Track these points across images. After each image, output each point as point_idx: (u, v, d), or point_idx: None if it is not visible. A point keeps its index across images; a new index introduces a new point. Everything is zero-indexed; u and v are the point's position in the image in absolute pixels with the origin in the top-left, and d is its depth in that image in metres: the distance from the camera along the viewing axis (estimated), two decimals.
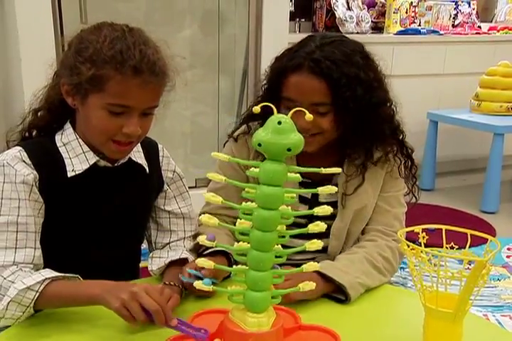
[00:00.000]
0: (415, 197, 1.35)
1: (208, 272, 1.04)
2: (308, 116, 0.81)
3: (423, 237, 0.93)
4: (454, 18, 4.35)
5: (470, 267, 0.86)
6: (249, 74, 3.07)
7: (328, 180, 1.26)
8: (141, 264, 1.30)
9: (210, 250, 1.13)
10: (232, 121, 1.46)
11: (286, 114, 0.80)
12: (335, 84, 1.17)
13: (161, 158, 1.24)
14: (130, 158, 1.17)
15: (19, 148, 1.09)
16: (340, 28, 3.83)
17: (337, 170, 0.83)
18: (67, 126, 1.13)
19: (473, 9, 4.49)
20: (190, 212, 1.27)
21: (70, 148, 1.12)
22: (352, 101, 1.18)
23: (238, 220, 0.86)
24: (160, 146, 1.25)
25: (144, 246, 1.30)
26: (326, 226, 0.84)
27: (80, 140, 1.12)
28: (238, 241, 0.87)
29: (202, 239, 0.88)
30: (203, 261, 0.88)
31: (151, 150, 1.23)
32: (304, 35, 1.28)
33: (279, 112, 0.81)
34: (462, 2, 4.40)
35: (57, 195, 1.10)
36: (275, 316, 0.89)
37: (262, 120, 0.80)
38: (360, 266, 1.18)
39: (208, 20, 3.09)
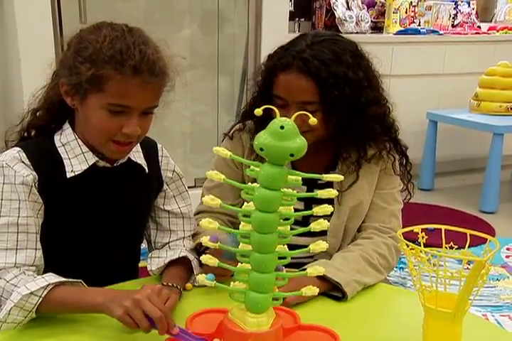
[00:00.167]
0: (410, 194, 1.36)
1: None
2: (312, 120, 0.80)
3: (422, 237, 0.93)
4: (453, 18, 4.36)
5: (469, 267, 0.86)
6: (249, 74, 3.06)
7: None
8: (141, 264, 1.30)
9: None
10: (232, 120, 1.46)
11: (279, 110, 0.80)
12: (323, 83, 1.18)
13: (160, 158, 1.24)
14: (129, 158, 1.17)
15: (18, 148, 1.09)
16: (339, 27, 3.83)
17: (338, 177, 0.83)
18: (66, 126, 1.13)
19: (473, 9, 4.49)
20: (190, 212, 1.27)
21: (69, 148, 1.11)
22: (340, 100, 1.19)
23: (241, 223, 0.86)
24: (159, 146, 1.25)
25: (144, 245, 1.30)
26: (328, 224, 0.84)
27: (79, 140, 1.12)
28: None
29: (205, 241, 0.87)
30: (207, 258, 0.88)
31: (150, 150, 1.23)
32: None
33: (271, 110, 0.81)
34: (462, 2, 4.40)
35: (57, 196, 1.09)
36: (275, 316, 0.89)
37: (257, 118, 0.80)
38: (356, 264, 1.19)
39: (208, 19, 3.09)
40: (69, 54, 1.07)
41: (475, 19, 4.48)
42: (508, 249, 2.87)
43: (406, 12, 4.09)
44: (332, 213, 1.28)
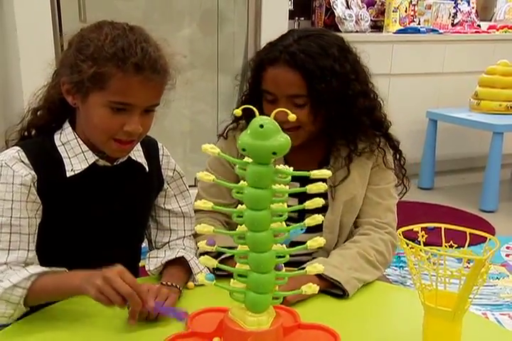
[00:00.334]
0: (406, 188, 1.38)
1: None
2: (292, 117, 0.80)
3: (422, 236, 0.93)
4: (453, 16, 4.35)
5: (469, 266, 0.86)
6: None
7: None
8: (141, 263, 1.30)
9: (222, 256, 1.10)
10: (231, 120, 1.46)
11: (268, 108, 0.79)
12: (310, 76, 1.20)
13: (161, 157, 1.24)
14: (130, 157, 1.16)
15: (17, 148, 1.09)
16: (339, 26, 3.83)
17: (326, 174, 0.81)
18: (66, 125, 1.13)
19: (473, 8, 4.49)
20: (190, 211, 1.27)
21: (69, 147, 1.11)
22: (327, 92, 1.21)
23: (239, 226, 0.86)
24: (160, 145, 1.25)
25: (144, 245, 1.30)
26: (322, 218, 0.84)
27: (79, 139, 1.12)
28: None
29: (202, 245, 0.87)
30: (205, 260, 0.88)
31: (150, 148, 1.23)
32: None
33: (261, 105, 0.80)
34: (461, 1, 4.40)
35: (56, 195, 1.09)
36: (275, 315, 0.88)
37: (250, 117, 0.80)
38: (354, 262, 1.19)
39: (207, 19, 3.09)
40: (70, 52, 1.07)
41: (475, 18, 4.48)
42: (507, 248, 2.87)
43: (406, 11, 4.08)
44: (327, 209, 1.29)
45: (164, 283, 1.10)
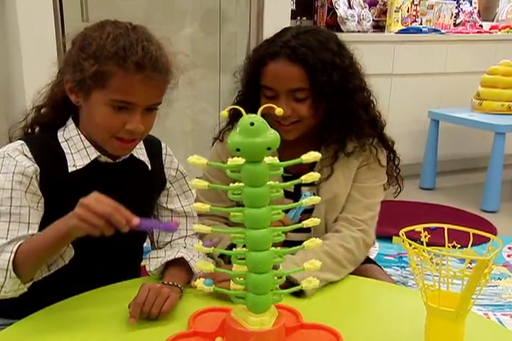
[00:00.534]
0: (400, 187, 1.38)
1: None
2: (278, 111, 0.82)
3: (425, 236, 0.93)
4: (455, 16, 4.35)
5: (471, 266, 0.86)
6: None
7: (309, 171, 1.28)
8: (142, 263, 1.30)
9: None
10: None
11: (268, 103, 0.80)
12: (311, 69, 1.21)
13: (164, 156, 1.24)
14: (132, 155, 1.17)
15: (21, 141, 1.10)
16: (341, 26, 3.82)
17: (316, 155, 0.82)
18: (70, 122, 1.13)
19: (475, 8, 4.48)
20: (193, 211, 1.26)
21: (71, 143, 1.12)
22: (328, 85, 1.22)
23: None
24: (163, 144, 1.25)
25: (147, 244, 1.30)
26: (319, 220, 0.85)
27: (81, 135, 1.12)
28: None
29: (198, 246, 0.88)
30: (202, 264, 0.88)
31: (153, 147, 1.23)
32: None
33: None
34: (464, 1, 4.40)
35: (58, 190, 1.09)
36: (277, 315, 0.88)
37: (234, 118, 0.81)
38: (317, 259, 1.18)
39: (209, 18, 3.09)
40: (73, 51, 1.07)
41: (477, 18, 4.47)
42: (509, 248, 2.86)
43: (408, 11, 4.08)
44: (313, 209, 1.29)
45: (166, 282, 1.09)
